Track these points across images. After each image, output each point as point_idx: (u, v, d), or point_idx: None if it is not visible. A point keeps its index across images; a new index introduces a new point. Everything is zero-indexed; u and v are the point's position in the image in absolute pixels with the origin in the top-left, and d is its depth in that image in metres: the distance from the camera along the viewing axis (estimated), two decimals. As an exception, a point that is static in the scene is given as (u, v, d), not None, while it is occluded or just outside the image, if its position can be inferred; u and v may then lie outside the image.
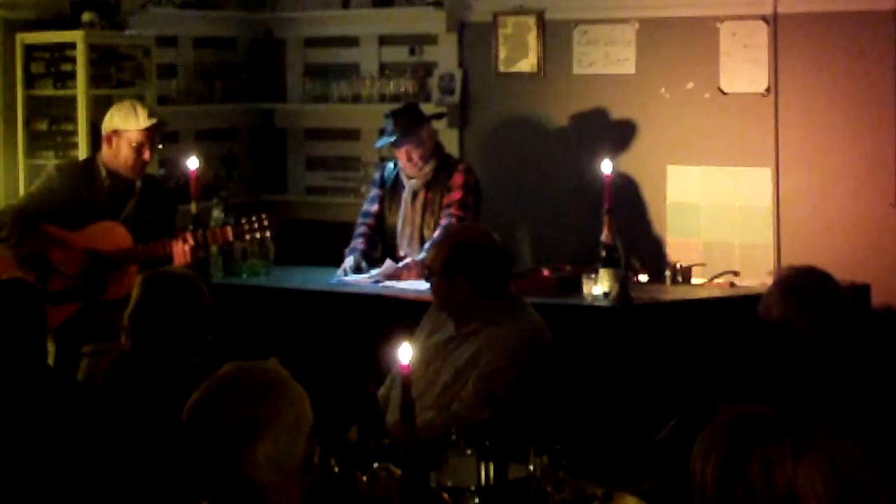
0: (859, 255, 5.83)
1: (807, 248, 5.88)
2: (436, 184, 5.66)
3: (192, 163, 5.27)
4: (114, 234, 5.14)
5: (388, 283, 5.46)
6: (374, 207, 5.83)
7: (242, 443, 2.31)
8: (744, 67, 6.21)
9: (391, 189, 5.79)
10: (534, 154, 6.78)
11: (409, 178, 5.71)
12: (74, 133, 6.16)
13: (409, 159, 5.66)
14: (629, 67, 6.51)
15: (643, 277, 5.48)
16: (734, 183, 6.26)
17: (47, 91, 6.23)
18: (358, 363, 4.76)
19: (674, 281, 5.44)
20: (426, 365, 3.94)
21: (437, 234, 5.45)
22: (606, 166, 5.23)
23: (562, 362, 3.98)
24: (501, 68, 6.84)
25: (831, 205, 6.06)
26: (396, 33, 7.18)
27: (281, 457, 2.33)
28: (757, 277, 5.59)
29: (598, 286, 5.06)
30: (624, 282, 5.01)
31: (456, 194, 5.61)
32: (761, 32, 6.16)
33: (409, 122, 5.68)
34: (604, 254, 5.08)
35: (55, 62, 6.21)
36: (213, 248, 5.60)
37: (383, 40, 7.24)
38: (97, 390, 3.63)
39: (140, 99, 5.77)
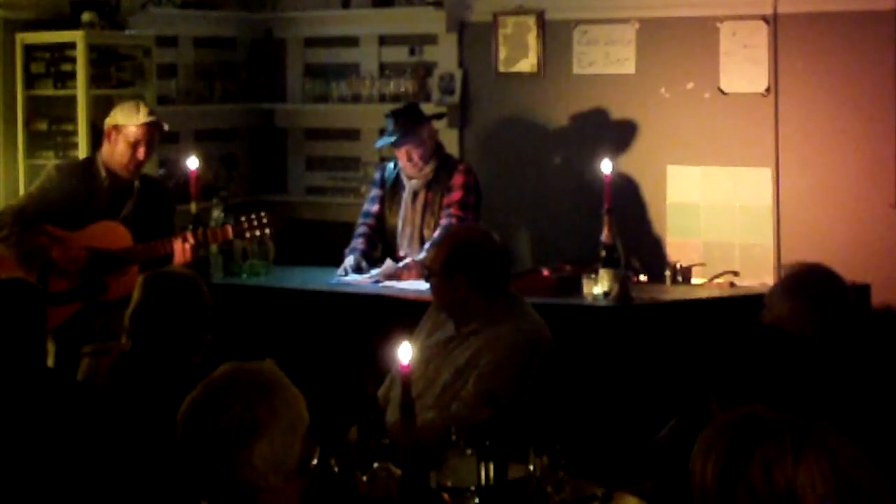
0: (859, 255, 5.83)
1: (807, 248, 5.88)
2: (436, 184, 5.66)
3: (192, 163, 5.28)
4: (114, 234, 5.15)
5: (388, 283, 5.46)
6: (375, 207, 5.83)
7: (239, 445, 2.31)
8: (744, 67, 6.21)
9: (391, 189, 5.79)
10: (534, 154, 6.78)
11: (410, 178, 5.71)
12: (74, 133, 6.16)
13: (410, 159, 5.66)
14: (629, 67, 6.51)
15: (643, 277, 5.48)
16: (734, 183, 6.26)
17: (47, 91, 6.23)
18: (358, 363, 4.76)
19: (674, 281, 5.44)
20: (426, 365, 3.94)
21: (436, 234, 5.45)
22: (606, 166, 5.23)
23: (562, 362, 3.98)
24: (501, 68, 6.84)
25: (831, 205, 6.06)
26: (396, 33, 7.18)
27: (277, 458, 2.33)
28: (757, 277, 5.59)
29: (598, 286, 5.05)
30: (624, 282, 5.01)
31: (456, 194, 5.61)
32: (761, 32, 6.16)
33: (409, 122, 5.67)
34: (604, 254, 5.07)
35: (55, 62, 6.21)
36: (214, 248, 5.60)
37: (383, 40, 7.24)
38: (97, 390, 3.63)
39: (142, 99, 5.78)
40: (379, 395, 4.01)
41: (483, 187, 5.78)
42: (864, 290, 5.10)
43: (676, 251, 6.22)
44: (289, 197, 7.55)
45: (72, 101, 6.17)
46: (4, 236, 5.07)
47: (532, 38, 6.73)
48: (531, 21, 6.73)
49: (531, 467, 3.12)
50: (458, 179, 5.64)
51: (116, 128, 5.22)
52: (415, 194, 5.70)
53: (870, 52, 5.94)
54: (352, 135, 7.37)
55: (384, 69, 7.19)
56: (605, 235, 5.10)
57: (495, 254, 4.03)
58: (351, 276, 5.57)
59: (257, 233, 5.26)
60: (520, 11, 6.77)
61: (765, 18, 6.16)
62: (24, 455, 3.28)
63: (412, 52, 7.14)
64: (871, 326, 3.50)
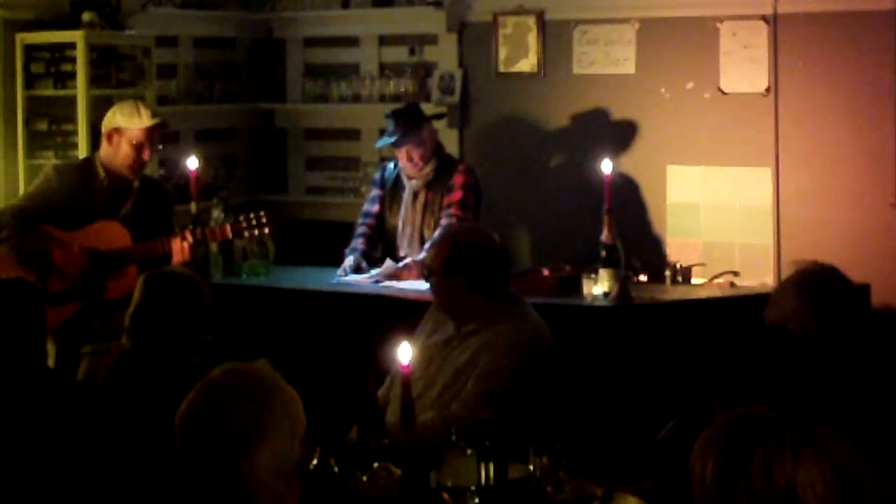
0: (859, 255, 5.82)
1: (807, 248, 5.87)
2: (436, 184, 5.66)
3: (192, 163, 5.27)
4: (113, 234, 5.15)
5: (388, 283, 5.46)
6: (375, 208, 5.83)
7: (239, 452, 2.30)
8: (744, 67, 6.21)
9: (391, 189, 5.79)
10: (534, 154, 6.78)
11: (410, 178, 5.71)
12: (74, 133, 6.16)
13: (410, 159, 5.66)
14: (629, 67, 6.51)
15: (643, 277, 5.48)
16: (734, 183, 6.26)
17: (47, 91, 6.22)
18: (358, 363, 4.76)
19: (674, 281, 5.44)
20: (426, 365, 3.94)
21: (436, 234, 5.45)
22: (606, 166, 5.23)
23: (562, 362, 3.98)
24: (501, 68, 6.84)
25: (831, 205, 6.06)
26: (396, 33, 7.18)
27: (277, 462, 2.32)
28: (757, 277, 5.59)
29: (598, 286, 5.05)
30: (624, 282, 5.01)
31: (456, 194, 5.61)
32: (761, 32, 6.16)
33: (409, 122, 5.67)
34: (604, 254, 5.07)
35: (55, 62, 6.20)
36: (213, 247, 5.60)
37: (383, 40, 7.24)
38: (97, 390, 3.63)
39: (140, 99, 5.78)
40: (379, 395, 4.00)
41: (483, 187, 5.79)
42: (864, 290, 5.10)
43: (676, 251, 6.21)
44: (289, 197, 7.55)
45: (72, 101, 6.17)
46: (4, 237, 5.07)
47: (532, 38, 6.73)
48: (531, 21, 6.73)
49: (531, 467, 3.12)
50: (458, 179, 5.64)
51: (118, 130, 5.21)
52: (415, 194, 5.70)
53: (870, 52, 5.94)
54: (352, 135, 7.37)
55: (384, 69, 7.19)
56: (605, 235, 5.10)
57: (495, 254, 4.02)
58: (351, 276, 5.57)
59: (256, 232, 5.26)
60: (520, 11, 6.77)
61: (765, 18, 6.16)
62: (25, 455, 3.28)
63: (412, 52, 7.14)
64: (871, 326, 3.50)
